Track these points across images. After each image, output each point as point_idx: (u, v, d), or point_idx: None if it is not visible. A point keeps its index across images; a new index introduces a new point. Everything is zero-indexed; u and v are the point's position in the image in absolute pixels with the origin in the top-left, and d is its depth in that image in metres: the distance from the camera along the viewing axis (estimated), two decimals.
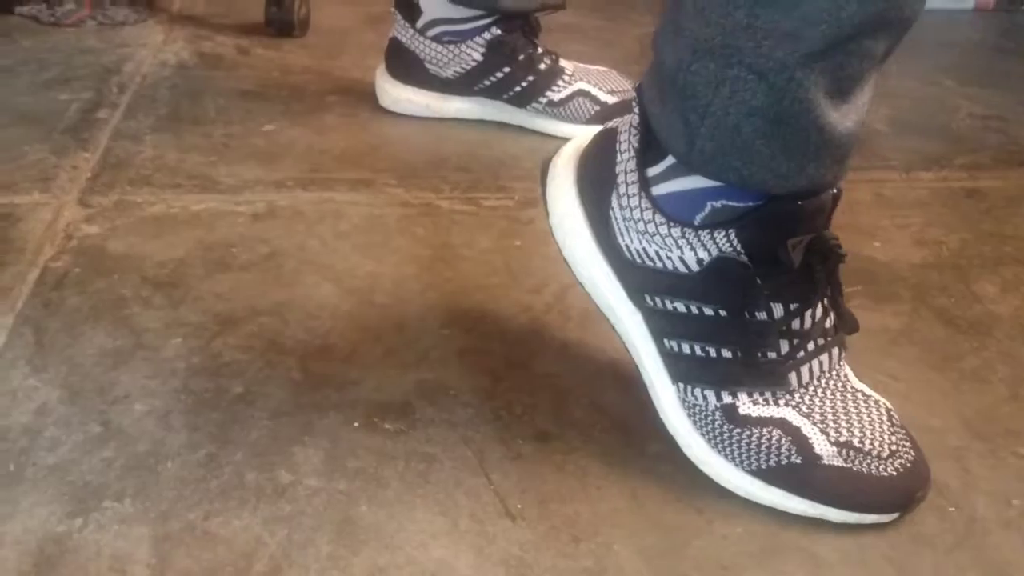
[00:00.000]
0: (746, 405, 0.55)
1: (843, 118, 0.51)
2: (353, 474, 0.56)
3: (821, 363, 0.56)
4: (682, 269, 0.55)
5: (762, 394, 0.55)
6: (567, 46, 1.16)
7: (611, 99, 0.98)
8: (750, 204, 0.53)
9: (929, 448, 0.57)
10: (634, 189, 0.56)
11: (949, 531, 0.54)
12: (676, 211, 0.55)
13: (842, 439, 0.55)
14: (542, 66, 0.98)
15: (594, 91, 0.98)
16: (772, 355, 0.55)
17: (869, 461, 0.55)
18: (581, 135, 0.63)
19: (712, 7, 0.49)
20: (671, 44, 0.53)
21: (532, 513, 0.54)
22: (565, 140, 0.66)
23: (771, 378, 0.55)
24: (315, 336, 0.67)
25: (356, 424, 0.59)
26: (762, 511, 0.55)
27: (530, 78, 0.97)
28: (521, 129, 1.00)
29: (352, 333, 0.68)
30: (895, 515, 0.55)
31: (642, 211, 0.56)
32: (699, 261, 0.54)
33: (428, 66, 0.99)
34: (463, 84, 0.99)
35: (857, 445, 0.55)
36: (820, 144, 0.51)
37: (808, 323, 0.56)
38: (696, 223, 0.54)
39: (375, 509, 0.53)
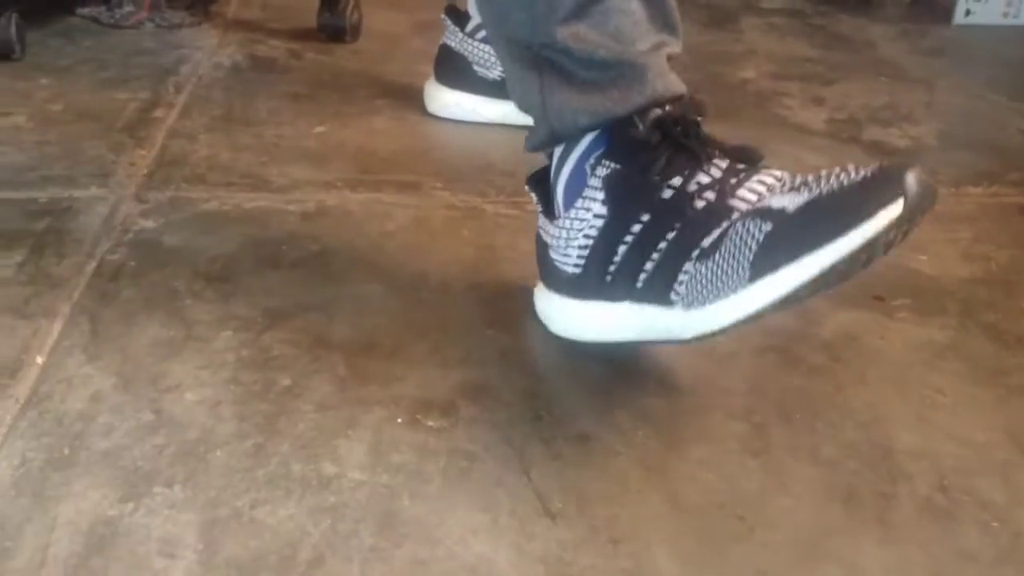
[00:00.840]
0: (708, 242, 0.57)
1: (639, 54, 0.62)
2: (396, 469, 0.56)
3: (762, 181, 0.58)
4: (599, 223, 0.62)
5: (719, 228, 0.57)
6: None
7: None
8: (607, 143, 0.62)
9: (975, 463, 0.57)
10: (550, 230, 0.66)
11: (993, 545, 0.54)
12: (574, 193, 0.64)
13: (796, 183, 0.55)
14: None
15: None
16: (702, 204, 0.58)
17: (834, 180, 0.53)
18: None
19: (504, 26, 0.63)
20: (518, 77, 0.64)
21: (571, 513, 0.54)
22: None
23: (717, 216, 0.57)
24: (361, 332, 0.68)
25: (400, 420, 0.60)
26: (805, 518, 0.55)
27: None
28: None
29: (397, 330, 0.68)
30: (899, 204, 0.49)
31: (560, 230, 0.65)
32: (602, 202, 0.62)
33: (476, 68, 1.01)
34: None
35: (811, 180, 0.54)
36: (632, 70, 0.61)
37: (715, 172, 0.59)
38: (587, 183, 0.63)
39: (417, 503, 0.54)
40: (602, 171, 0.62)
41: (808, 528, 0.54)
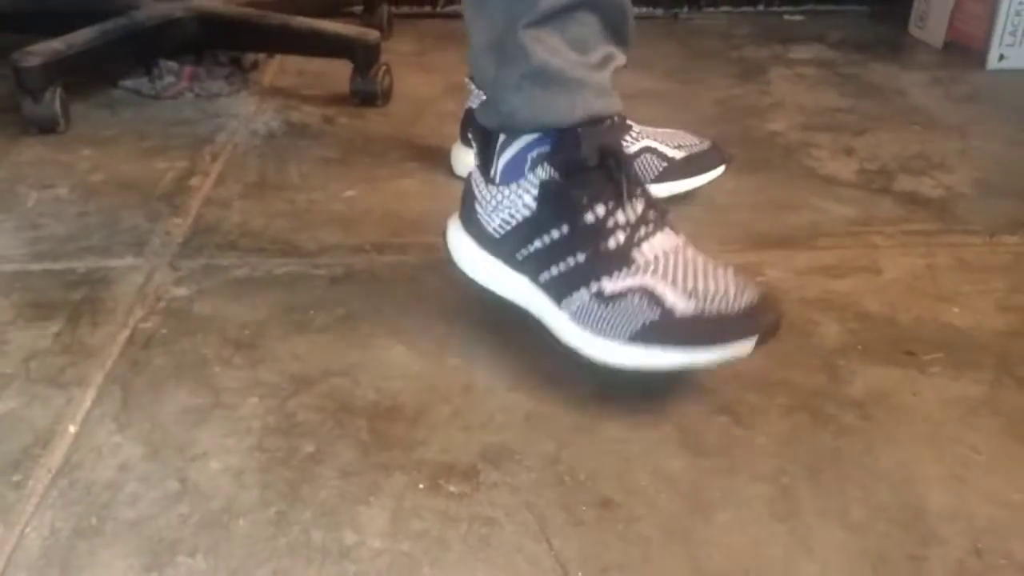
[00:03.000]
0: (609, 285, 0.67)
1: (589, 68, 0.70)
2: (416, 536, 0.56)
3: (661, 242, 0.69)
4: (527, 212, 0.71)
5: (619, 272, 0.67)
6: (641, 110, 1.18)
7: (678, 154, 0.98)
8: (552, 144, 0.70)
9: (1011, 524, 0.55)
10: (482, 188, 0.75)
11: None
12: (512, 175, 0.72)
13: (689, 288, 0.66)
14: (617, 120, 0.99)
15: (660, 147, 0.98)
16: (613, 244, 0.68)
17: (718, 302, 0.65)
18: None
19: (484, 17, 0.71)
20: (480, 59, 0.73)
21: None
22: None
23: (620, 261, 0.68)
24: (385, 397, 0.68)
25: (421, 486, 0.60)
26: None
27: None
28: None
29: (421, 394, 0.69)
30: (753, 339, 0.64)
31: (491, 196, 0.73)
32: (534, 198, 0.71)
33: None
34: None
35: (703, 291, 0.65)
36: (579, 85, 0.69)
37: (631, 215, 0.69)
38: (525, 174, 0.71)
39: (437, 572, 0.54)
40: (541, 173, 0.71)
41: None
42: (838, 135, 1.21)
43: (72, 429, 0.65)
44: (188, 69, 1.32)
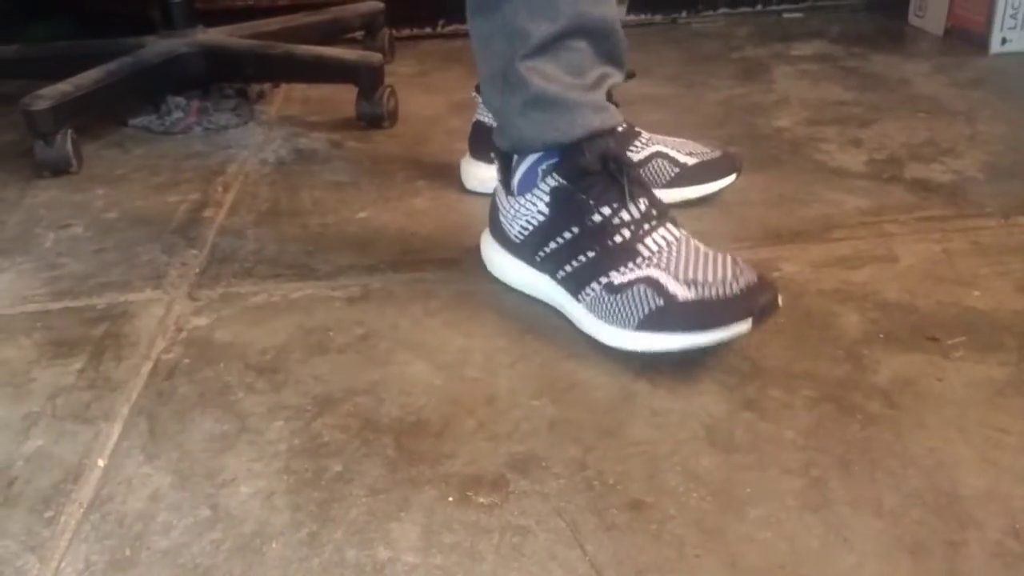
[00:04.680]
0: (617, 278, 0.73)
1: (584, 89, 0.76)
2: (449, 549, 0.56)
3: (664, 236, 0.75)
4: (541, 218, 0.78)
5: (625, 266, 0.73)
6: (646, 115, 1.18)
7: (690, 160, 0.98)
8: (559, 156, 0.77)
9: None
10: (504, 200, 0.82)
11: None
12: (526, 187, 0.80)
13: (690, 277, 0.71)
14: (620, 130, 0.99)
15: (672, 152, 0.98)
16: (619, 240, 0.74)
17: (716, 287, 0.70)
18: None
19: (487, 50, 0.78)
20: (487, 89, 0.81)
21: None
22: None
23: (626, 255, 0.74)
24: (409, 413, 0.69)
25: (451, 499, 0.60)
26: (871, 575, 0.53)
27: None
28: None
29: (444, 408, 0.69)
30: (747, 323, 0.69)
31: (511, 206, 0.81)
32: (546, 204, 0.78)
33: None
34: None
35: (702, 279, 0.71)
36: (576, 106, 0.76)
37: (635, 213, 0.75)
38: (537, 184, 0.78)
39: None
40: (551, 182, 0.77)
41: None
42: (845, 127, 1.21)
43: (101, 463, 0.65)
44: (195, 103, 1.33)
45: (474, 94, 1.04)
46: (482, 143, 1.04)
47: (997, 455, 0.62)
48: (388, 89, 1.29)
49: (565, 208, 0.76)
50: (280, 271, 0.90)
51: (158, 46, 1.32)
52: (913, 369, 0.71)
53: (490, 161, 1.04)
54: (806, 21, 1.79)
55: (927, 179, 1.04)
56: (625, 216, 0.75)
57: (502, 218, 0.83)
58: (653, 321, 0.71)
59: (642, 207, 0.75)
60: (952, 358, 0.72)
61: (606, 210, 0.75)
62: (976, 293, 0.80)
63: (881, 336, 0.75)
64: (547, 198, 0.77)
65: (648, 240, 0.74)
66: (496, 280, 0.86)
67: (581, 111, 0.76)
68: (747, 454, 0.63)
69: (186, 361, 0.76)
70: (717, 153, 1.00)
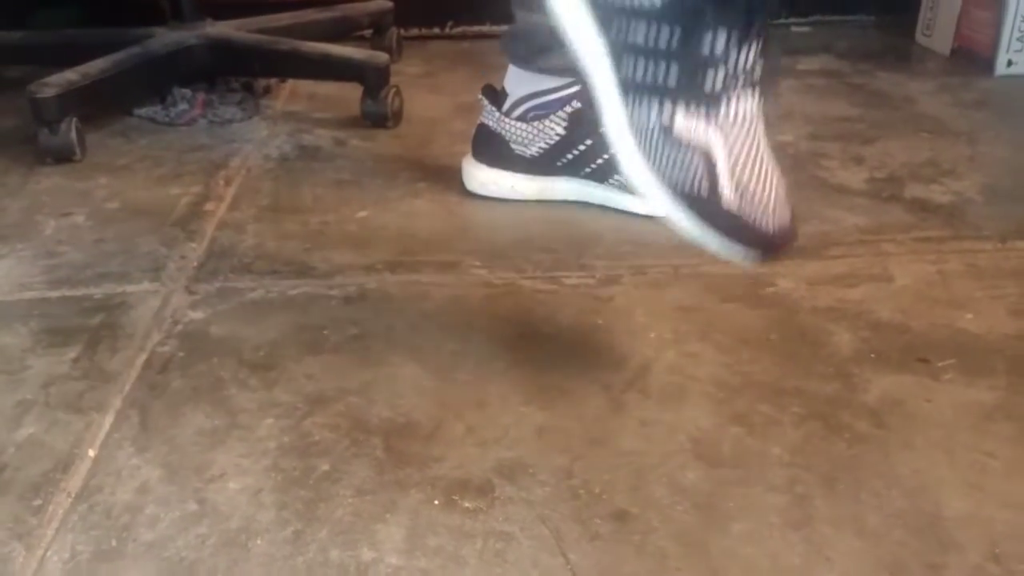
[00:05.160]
0: (681, 121, 0.65)
1: None
2: (433, 552, 0.57)
3: (746, 106, 0.66)
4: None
5: (697, 110, 0.65)
6: None
7: None
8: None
9: None
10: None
11: None
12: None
13: (744, 182, 0.66)
14: None
15: None
16: (709, 85, 0.64)
17: (757, 211, 0.66)
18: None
19: None
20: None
21: None
22: (648, 218, 0.88)
23: (705, 100, 0.64)
24: (399, 414, 0.69)
25: (437, 502, 0.61)
26: None
27: (608, 153, 0.99)
28: (604, 207, 1.01)
29: (435, 411, 0.69)
30: (759, 257, 0.68)
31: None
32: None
33: (513, 146, 1.03)
34: (547, 161, 1.02)
35: (751, 190, 0.66)
36: None
37: (743, 62, 0.64)
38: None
39: None
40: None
41: None
42: (847, 144, 1.21)
43: (91, 453, 0.66)
44: (201, 96, 1.34)
45: (479, 97, 1.05)
46: (486, 147, 1.05)
47: (982, 479, 0.62)
48: (393, 89, 1.29)
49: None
50: (278, 267, 0.90)
51: (166, 38, 1.32)
52: (902, 390, 0.71)
53: (492, 164, 1.05)
54: (814, 35, 1.79)
55: (926, 199, 1.04)
56: (732, 59, 0.64)
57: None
58: (692, 203, 0.66)
59: (751, 58, 0.65)
60: (942, 380, 0.72)
61: (722, 38, 0.63)
62: (969, 316, 0.81)
63: (872, 356, 0.76)
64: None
65: (734, 102, 0.65)
66: (492, 285, 0.87)
67: None
68: (733, 469, 0.64)
69: (180, 354, 0.77)
70: None
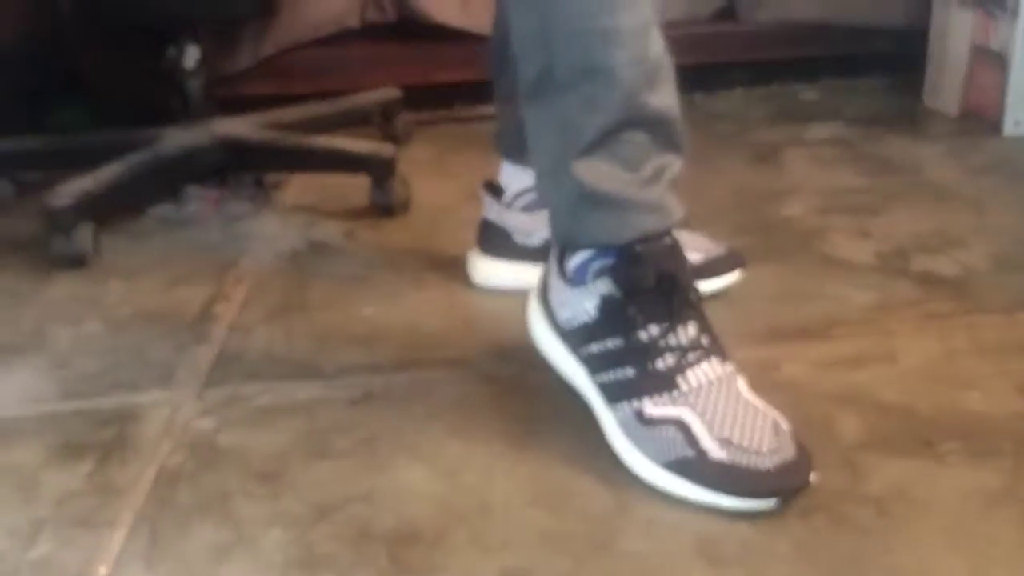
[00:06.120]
0: (650, 408, 0.72)
1: (640, 185, 0.74)
2: None
3: (706, 372, 0.72)
4: (586, 318, 0.76)
5: (660, 397, 0.72)
6: None
7: (696, 257, 0.99)
8: (613, 259, 0.75)
9: None
10: (555, 280, 0.81)
11: None
12: (578, 279, 0.78)
13: (725, 435, 0.69)
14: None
15: None
16: (661, 366, 0.72)
17: (750, 456, 0.68)
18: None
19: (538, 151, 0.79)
20: (541, 183, 0.82)
21: None
22: None
23: (665, 385, 0.72)
24: (403, 522, 0.69)
25: None
26: None
27: None
28: None
29: (439, 517, 0.70)
30: (772, 501, 0.67)
31: (561, 290, 0.79)
32: (596, 308, 0.75)
33: (516, 238, 1.04)
34: (550, 250, 1.03)
35: (738, 441, 0.69)
36: (630, 205, 0.74)
37: (683, 339, 0.73)
38: (587, 282, 0.76)
39: None
40: (602, 286, 0.75)
41: None
42: (854, 217, 1.21)
43: (103, 571, 0.67)
44: (213, 193, 1.37)
45: (481, 190, 1.07)
46: (490, 239, 1.06)
47: (985, 567, 0.61)
48: (399, 178, 1.31)
49: (613, 318, 0.74)
50: (287, 371, 0.92)
51: (177, 138, 1.36)
52: (907, 476, 0.71)
53: (496, 256, 1.06)
54: (822, 101, 1.80)
55: (932, 272, 1.04)
56: (672, 340, 0.72)
57: (552, 296, 0.81)
58: (680, 467, 0.69)
59: (691, 333, 0.73)
60: (946, 464, 0.72)
61: (654, 330, 0.73)
62: (975, 394, 0.80)
63: (878, 441, 0.75)
64: (597, 300, 0.75)
65: (690, 373, 0.72)
66: (498, 381, 0.87)
67: (635, 211, 0.74)
68: (738, 567, 0.63)
69: (190, 466, 0.78)
70: (722, 250, 1.01)
